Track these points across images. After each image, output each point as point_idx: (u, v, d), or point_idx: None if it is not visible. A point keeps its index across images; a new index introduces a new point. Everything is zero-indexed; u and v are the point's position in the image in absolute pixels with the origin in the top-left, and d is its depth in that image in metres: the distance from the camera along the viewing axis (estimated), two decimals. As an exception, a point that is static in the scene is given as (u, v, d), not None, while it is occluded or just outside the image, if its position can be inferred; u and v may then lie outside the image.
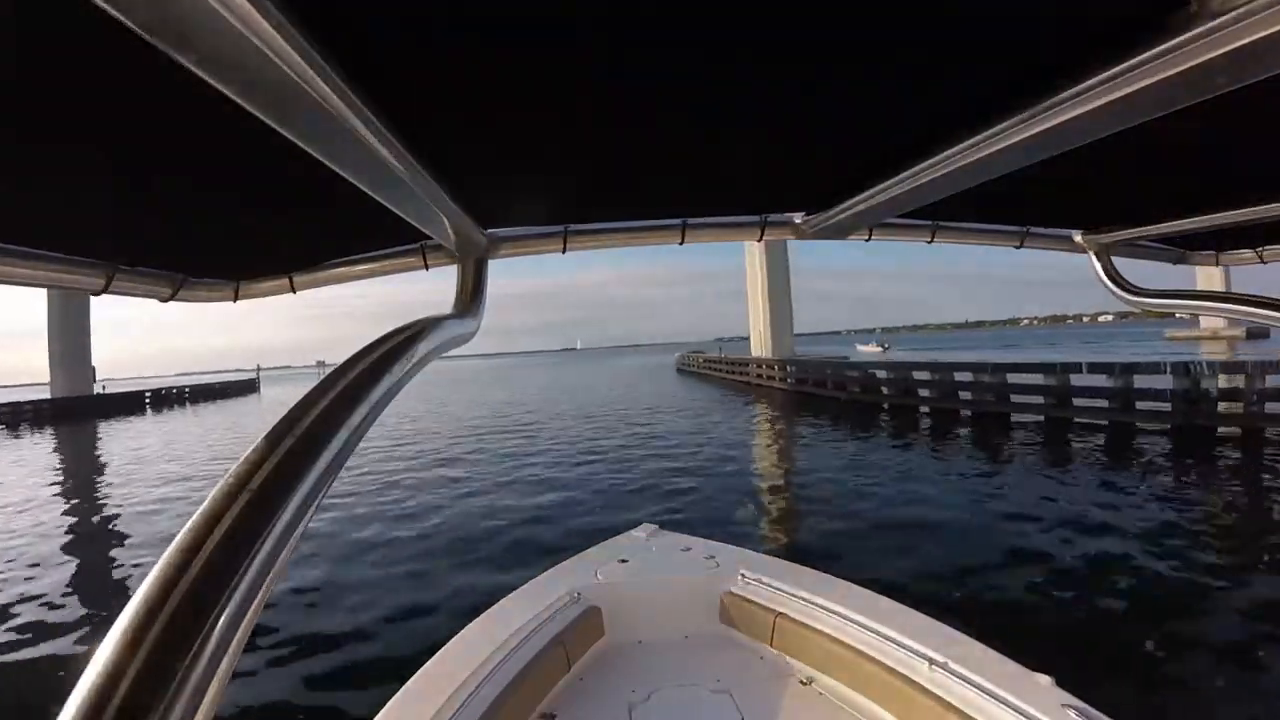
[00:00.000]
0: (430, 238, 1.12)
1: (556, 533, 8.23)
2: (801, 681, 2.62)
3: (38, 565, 8.19)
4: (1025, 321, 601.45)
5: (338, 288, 1.33)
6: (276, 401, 45.45)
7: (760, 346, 36.25)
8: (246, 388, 64.06)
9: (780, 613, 2.81)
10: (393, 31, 0.52)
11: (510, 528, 8.61)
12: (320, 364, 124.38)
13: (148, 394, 43.90)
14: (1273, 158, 0.95)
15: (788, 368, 28.43)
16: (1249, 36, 0.43)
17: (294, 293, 1.37)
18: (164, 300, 1.19)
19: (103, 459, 19.59)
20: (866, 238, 1.35)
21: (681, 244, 1.30)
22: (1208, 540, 7.27)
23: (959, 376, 17.49)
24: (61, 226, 0.91)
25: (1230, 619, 5.19)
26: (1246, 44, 0.44)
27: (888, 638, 2.41)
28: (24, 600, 6.85)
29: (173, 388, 48.20)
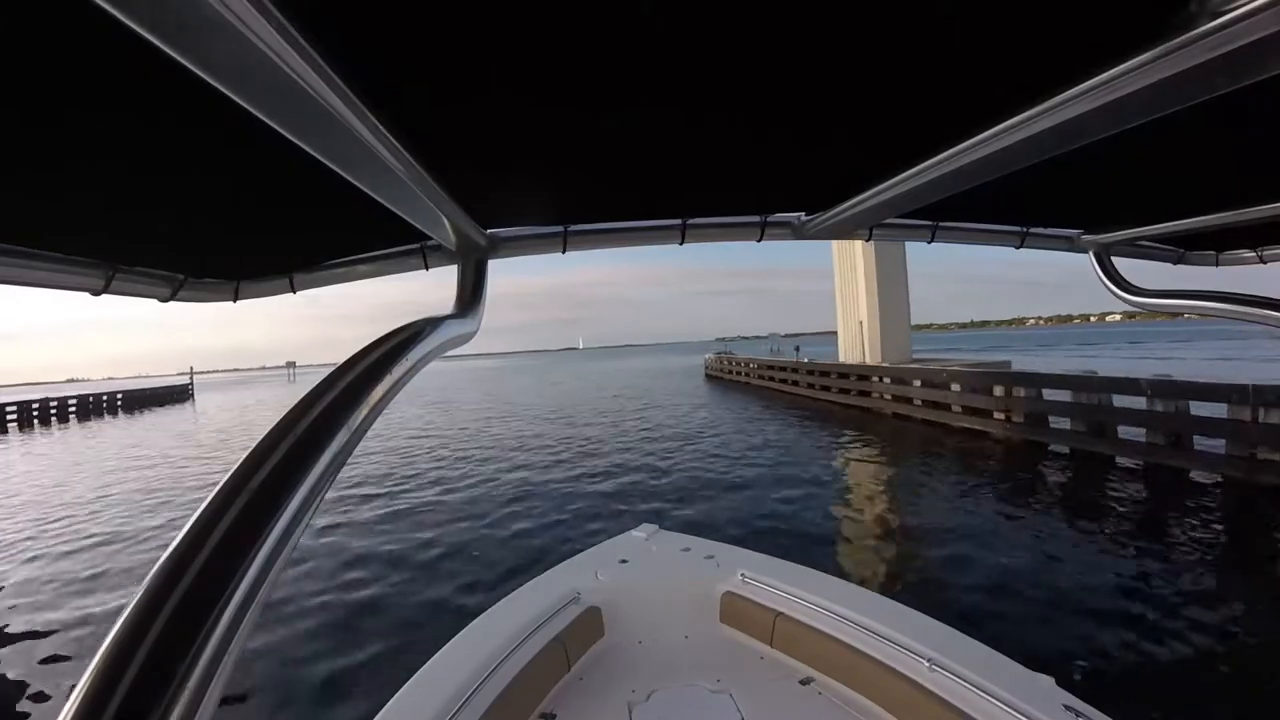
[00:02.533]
0: (430, 238, 1.11)
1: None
2: (801, 681, 2.60)
3: None
4: (1031, 321, 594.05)
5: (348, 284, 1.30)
6: (215, 413, 35.64)
7: (859, 349, 23.01)
8: (176, 395, 52.43)
9: (780, 613, 2.80)
10: (392, 32, 0.52)
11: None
12: (290, 364, 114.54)
13: (11, 408, 32.55)
14: (1272, 158, 0.95)
15: (1005, 391, 12.57)
16: (1249, 37, 0.43)
17: (294, 292, 1.35)
18: (164, 300, 1.18)
19: None
20: (867, 238, 1.35)
21: (681, 244, 1.30)
22: None
23: None
24: (61, 226, 0.91)
25: None
26: (1246, 44, 0.44)
27: (887, 638, 2.41)
28: None
29: (51, 399, 36.69)
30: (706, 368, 42.39)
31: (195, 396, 55.09)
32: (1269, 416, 8.18)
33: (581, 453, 13.94)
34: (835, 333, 24.98)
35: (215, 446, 19.84)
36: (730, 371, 35.00)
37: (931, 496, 9.13)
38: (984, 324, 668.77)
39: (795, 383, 24.48)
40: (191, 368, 69.61)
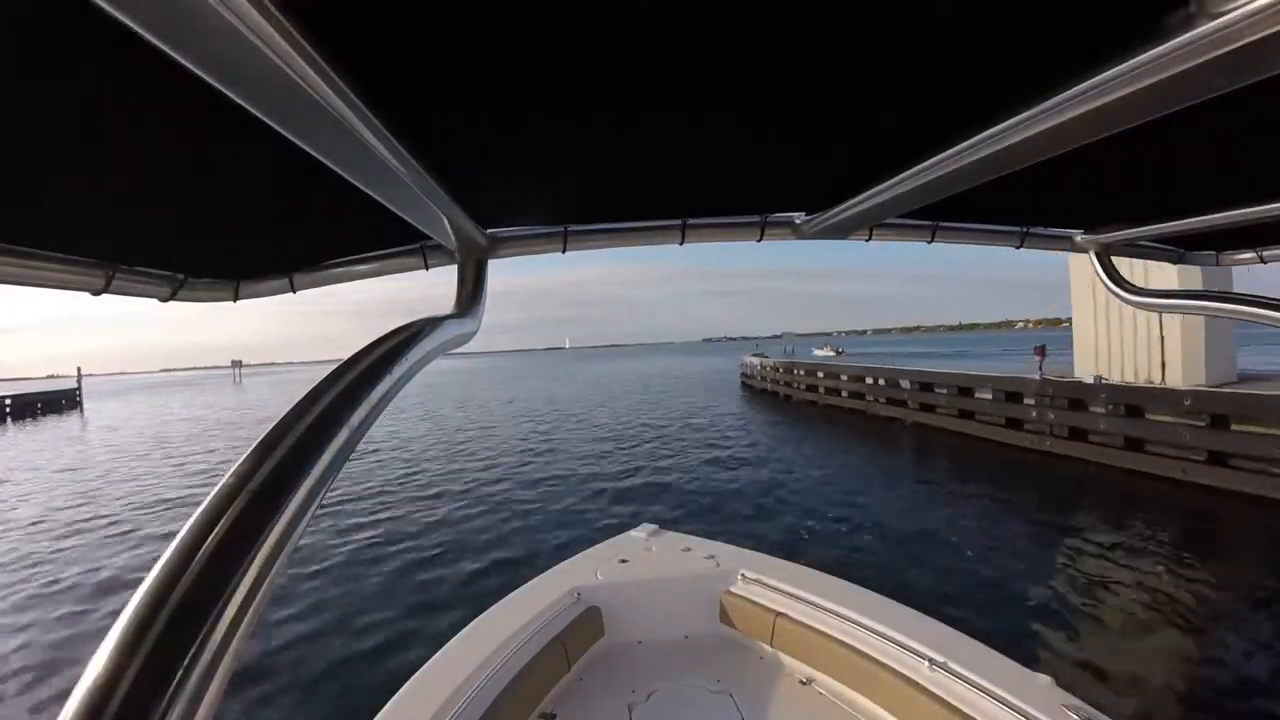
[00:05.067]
0: (430, 238, 1.10)
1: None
2: (801, 681, 2.60)
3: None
4: (1020, 324, 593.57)
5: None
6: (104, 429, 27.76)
7: (1131, 358, 12.16)
8: (52, 405, 40.14)
9: (780, 613, 2.79)
10: (393, 32, 0.52)
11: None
12: (235, 363, 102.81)
13: None
14: (1272, 158, 0.94)
15: None
16: (1248, 37, 0.43)
17: (294, 292, 1.35)
18: (164, 300, 1.18)
19: None
20: (867, 238, 1.34)
21: (681, 244, 1.29)
22: None
23: None
24: (61, 226, 0.91)
25: None
26: (1246, 44, 0.43)
27: (888, 638, 2.40)
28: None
29: None
30: (749, 376, 30.35)
31: (84, 405, 43.29)
32: None
33: None
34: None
35: None
36: (805, 385, 22.77)
37: None
38: (973, 326, 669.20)
39: (1150, 445, 10.48)
40: (79, 369, 50.32)
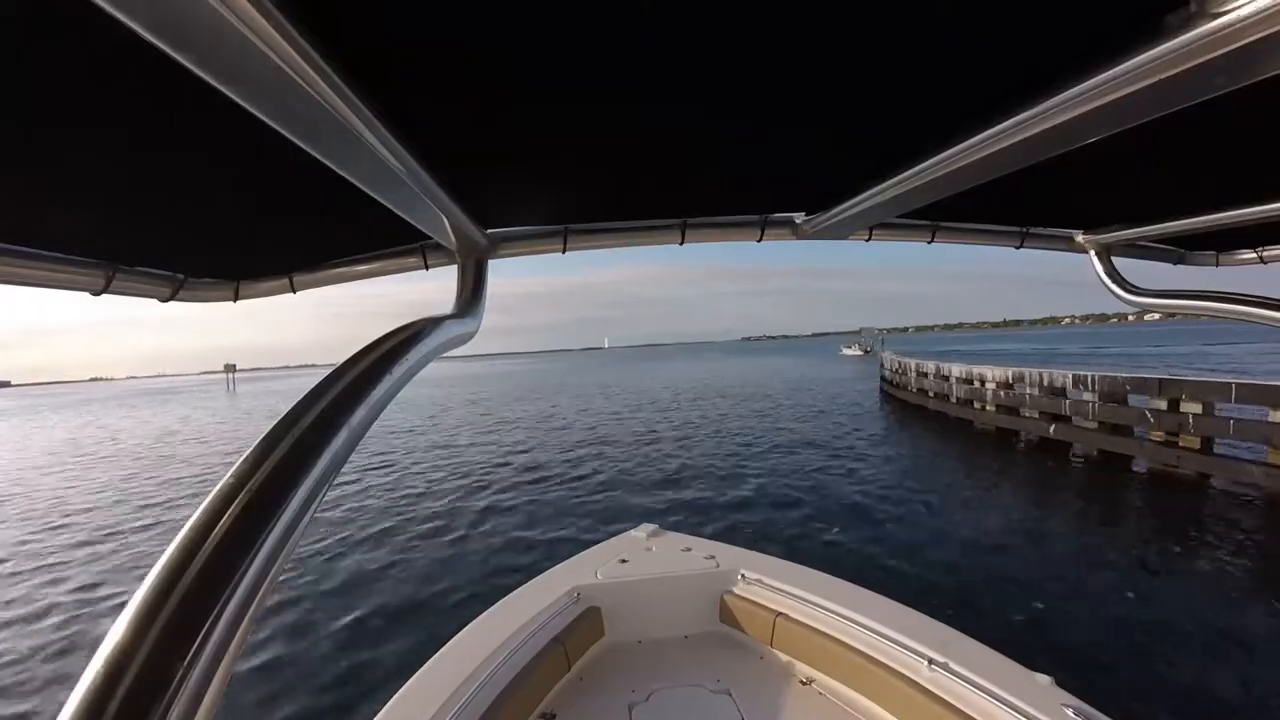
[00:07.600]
0: (430, 238, 1.10)
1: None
2: (801, 681, 2.59)
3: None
4: (1065, 320, 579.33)
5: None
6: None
7: None
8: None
9: (780, 613, 2.79)
10: (393, 31, 0.52)
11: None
12: (228, 367, 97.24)
13: None
14: (1273, 158, 0.94)
15: None
16: (1248, 37, 0.43)
17: (294, 292, 1.35)
18: (164, 300, 1.18)
19: None
20: (867, 238, 1.34)
21: (681, 244, 1.29)
22: None
23: None
24: (61, 226, 0.90)
25: None
26: (1246, 44, 0.43)
27: (888, 638, 2.39)
28: None
29: None
30: (914, 390, 19.29)
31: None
32: None
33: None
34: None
35: None
36: (1163, 433, 10.76)
37: None
38: (1018, 323, 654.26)
39: None
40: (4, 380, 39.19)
